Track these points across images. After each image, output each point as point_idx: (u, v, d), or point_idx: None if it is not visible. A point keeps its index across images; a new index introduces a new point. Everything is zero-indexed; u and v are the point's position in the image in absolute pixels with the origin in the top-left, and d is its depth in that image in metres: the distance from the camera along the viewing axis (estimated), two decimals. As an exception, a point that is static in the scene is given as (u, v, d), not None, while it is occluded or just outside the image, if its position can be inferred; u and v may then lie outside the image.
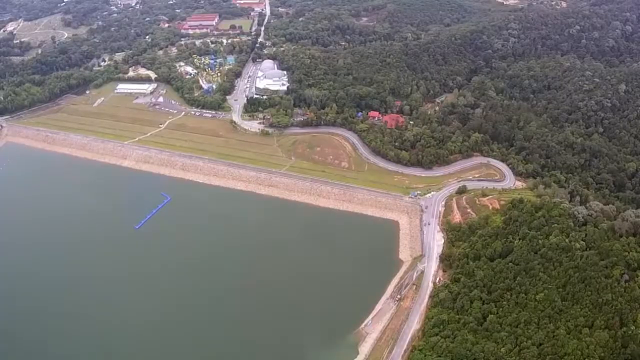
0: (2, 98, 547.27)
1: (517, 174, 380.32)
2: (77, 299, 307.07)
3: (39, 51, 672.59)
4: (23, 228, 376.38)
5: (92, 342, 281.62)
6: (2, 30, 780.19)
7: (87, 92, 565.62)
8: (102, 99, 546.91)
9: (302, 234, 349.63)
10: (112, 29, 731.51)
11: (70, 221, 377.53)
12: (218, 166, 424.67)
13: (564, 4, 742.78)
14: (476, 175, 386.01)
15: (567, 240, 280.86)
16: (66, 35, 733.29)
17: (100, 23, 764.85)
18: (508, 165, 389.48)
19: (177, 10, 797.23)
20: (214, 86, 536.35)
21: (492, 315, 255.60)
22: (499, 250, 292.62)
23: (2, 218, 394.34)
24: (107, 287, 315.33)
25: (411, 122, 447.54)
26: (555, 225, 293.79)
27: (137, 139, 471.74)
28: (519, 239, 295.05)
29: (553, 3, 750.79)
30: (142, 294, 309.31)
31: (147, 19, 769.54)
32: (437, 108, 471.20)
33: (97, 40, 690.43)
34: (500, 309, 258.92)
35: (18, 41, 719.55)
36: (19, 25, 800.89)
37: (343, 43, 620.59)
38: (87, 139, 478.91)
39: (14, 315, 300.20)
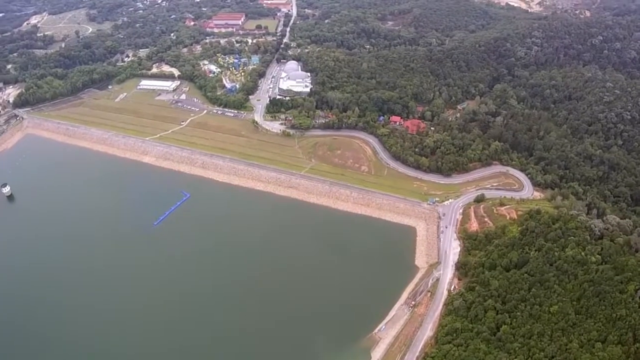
0: (23, 90, 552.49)
1: (536, 184, 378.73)
2: (93, 292, 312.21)
3: (63, 45, 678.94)
4: (41, 220, 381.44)
5: (109, 334, 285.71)
6: (25, 23, 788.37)
7: (110, 87, 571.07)
8: (125, 94, 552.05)
9: (319, 236, 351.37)
10: (137, 25, 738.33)
11: (89, 215, 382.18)
12: (238, 166, 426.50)
13: (587, 14, 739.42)
14: (495, 184, 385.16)
15: (583, 253, 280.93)
16: (90, 30, 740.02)
17: (125, 19, 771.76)
18: (527, 175, 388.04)
19: (203, 9, 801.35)
20: (237, 85, 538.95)
21: (505, 326, 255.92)
22: (514, 261, 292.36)
23: (21, 211, 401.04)
24: (122, 281, 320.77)
25: (432, 128, 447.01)
26: (572, 237, 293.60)
27: (158, 135, 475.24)
28: (535, 250, 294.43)
29: (577, 12, 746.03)
30: (157, 291, 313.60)
31: (173, 16, 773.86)
32: (458, 115, 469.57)
33: (122, 36, 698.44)
34: (514, 320, 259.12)
35: (41, 34, 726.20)
36: (43, 19, 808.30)
37: (368, 46, 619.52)
38: (108, 134, 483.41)
39: (31, 309, 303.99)
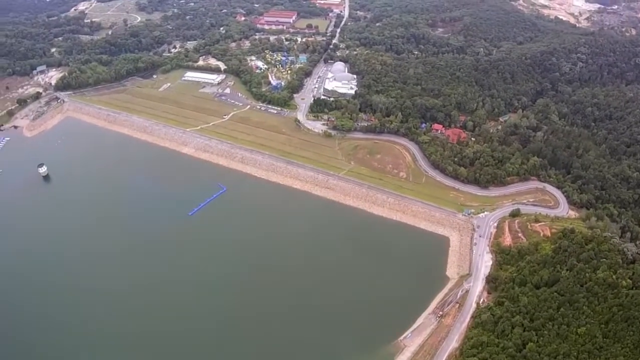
0: (66, 74, 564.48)
1: (571, 203, 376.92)
2: (121, 277, 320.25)
3: (110, 32, 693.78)
4: (74, 203, 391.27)
5: (135, 319, 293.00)
6: (73, 9, 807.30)
7: (154, 76, 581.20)
8: (169, 84, 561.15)
9: (352, 239, 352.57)
10: (188, 17, 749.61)
11: (123, 200, 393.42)
12: (277, 163, 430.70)
13: (633, 32, 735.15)
14: (531, 200, 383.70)
15: (614, 276, 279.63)
16: (139, 19, 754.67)
17: (175, 10, 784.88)
18: (563, 192, 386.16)
19: (255, 5, 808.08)
20: (283, 83, 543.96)
21: (531, 344, 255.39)
22: (545, 279, 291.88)
23: (56, 191, 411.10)
24: (153, 267, 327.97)
25: (473, 139, 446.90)
26: (604, 260, 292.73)
27: (199, 127, 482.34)
28: (567, 270, 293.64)
29: (623, 30, 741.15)
30: (186, 279, 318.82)
31: (224, 10, 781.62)
32: (499, 127, 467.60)
33: (170, 27, 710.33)
34: (541, 338, 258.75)
35: (89, 21, 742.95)
36: (91, 6, 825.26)
37: (416, 52, 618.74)
38: (149, 122, 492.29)
39: (57, 291, 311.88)
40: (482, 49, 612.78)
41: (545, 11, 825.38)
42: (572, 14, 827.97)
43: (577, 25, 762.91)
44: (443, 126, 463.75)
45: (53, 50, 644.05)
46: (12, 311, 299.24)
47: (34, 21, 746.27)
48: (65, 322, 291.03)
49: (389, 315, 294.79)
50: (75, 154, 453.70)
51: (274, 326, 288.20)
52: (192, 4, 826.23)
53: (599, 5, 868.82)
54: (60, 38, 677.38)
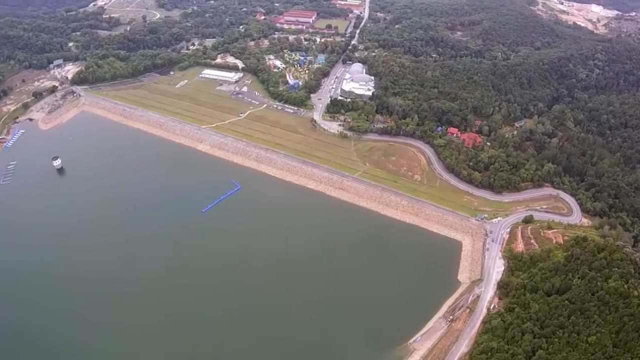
0: (83, 69, 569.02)
1: (584, 211, 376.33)
2: (133, 270, 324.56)
3: (128, 28, 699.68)
4: (87, 196, 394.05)
5: (148, 317, 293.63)
6: (92, 4, 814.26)
7: (172, 73, 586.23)
8: (186, 81, 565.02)
9: (364, 240, 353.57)
10: (207, 15, 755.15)
11: (136, 195, 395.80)
12: (292, 162, 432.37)
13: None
14: (544, 207, 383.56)
15: (625, 286, 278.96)
16: (158, 15, 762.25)
17: (195, 8, 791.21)
18: (577, 200, 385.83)
19: (275, 4, 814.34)
20: (300, 83, 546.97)
21: (541, 351, 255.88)
22: (557, 286, 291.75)
23: (69, 184, 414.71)
24: (164, 262, 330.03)
25: (488, 144, 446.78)
26: (616, 269, 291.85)
27: (215, 125, 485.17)
28: (578, 278, 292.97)
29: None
30: (193, 278, 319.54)
31: (244, 9, 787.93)
32: (515, 132, 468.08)
33: (189, 25, 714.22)
34: (551, 346, 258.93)
35: (107, 16, 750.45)
36: (110, 1, 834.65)
37: (434, 55, 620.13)
38: (165, 119, 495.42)
39: (68, 281, 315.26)
40: (500, 53, 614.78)
41: (564, 17, 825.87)
42: (590, 20, 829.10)
43: (595, 31, 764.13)
44: (459, 130, 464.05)
45: (70, 44, 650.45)
46: (26, 303, 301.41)
47: (52, 15, 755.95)
48: (73, 315, 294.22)
49: (399, 318, 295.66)
50: (90, 148, 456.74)
51: (283, 326, 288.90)
52: (212, 1, 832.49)
53: (616, 12, 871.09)
54: (78, 33, 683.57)
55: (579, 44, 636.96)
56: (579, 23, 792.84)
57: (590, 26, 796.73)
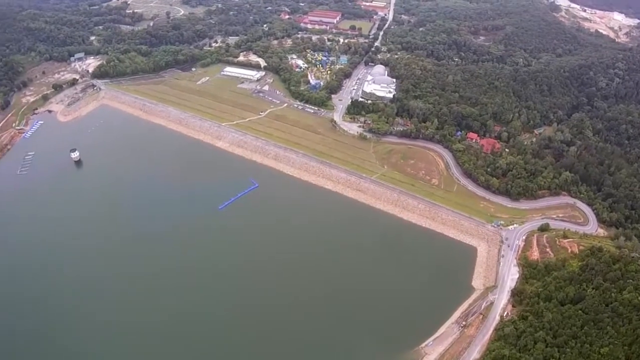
0: (104, 62, 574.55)
1: (600, 221, 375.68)
2: (144, 264, 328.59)
3: (151, 24, 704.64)
4: (103, 189, 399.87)
5: (160, 312, 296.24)
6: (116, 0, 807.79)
7: (193, 69, 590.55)
8: (207, 78, 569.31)
9: (380, 243, 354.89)
10: (231, 13, 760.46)
11: (152, 190, 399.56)
12: (310, 162, 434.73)
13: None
14: (560, 215, 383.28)
15: (639, 298, 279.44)
16: (182, 12, 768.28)
17: (219, 5, 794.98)
18: (593, 209, 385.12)
19: (300, 4, 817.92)
20: (322, 83, 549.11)
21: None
22: (571, 296, 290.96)
23: (86, 177, 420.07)
24: (179, 258, 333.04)
25: (506, 150, 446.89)
26: (631, 281, 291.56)
27: (234, 122, 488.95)
28: (593, 288, 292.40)
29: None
30: (209, 273, 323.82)
31: (269, 8, 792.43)
32: (534, 139, 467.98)
33: (213, 22, 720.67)
34: (563, 356, 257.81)
35: (131, 11, 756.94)
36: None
37: (456, 59, 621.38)
38: (185, 115, 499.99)
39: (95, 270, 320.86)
40: (521, 59, 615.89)
41: (586, 24, 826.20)
42: (612, 29, 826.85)
43: (617, 40, 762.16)
44: (478, 135, 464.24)
45: (92, 38, 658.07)
46: (38, 298, 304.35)
47: (75, 9, 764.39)
48: (83, 312, 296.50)
49: (411, 322, 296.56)
50: (109, 142, 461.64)
51: (295, 326, 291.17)
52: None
53: (638, 21, 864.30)
54: (100, 27, 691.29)
55: (600, 52, 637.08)
56: (600, 31, 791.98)
57: (612, 34, 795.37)
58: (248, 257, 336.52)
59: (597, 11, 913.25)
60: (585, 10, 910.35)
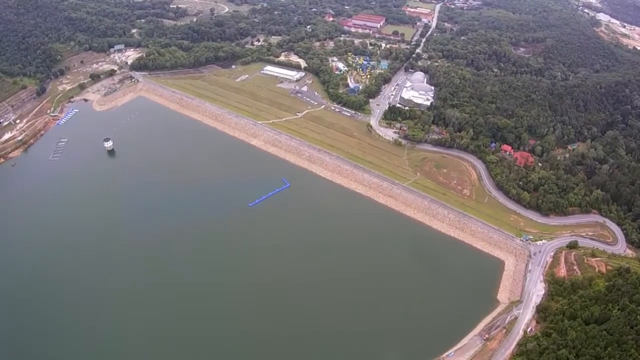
0: (144, 55, 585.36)
1: (629, 241, 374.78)
2: (173, 258, 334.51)
3: (194, 19, 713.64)
4: (135, 181, 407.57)
5: (200, 305, 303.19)
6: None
7: (233, 67, 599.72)
8: (246, 76, 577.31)
9: (408, 251, 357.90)
10: (276, 12, 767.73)
11: (184, 184, 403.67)
12: (344, 165, 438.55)
13: None
14: (589, 233, 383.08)
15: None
16: (226, 9, 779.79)
17: (264, 4, 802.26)
18: (622, 230, 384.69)
19: (345, 7, 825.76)
20: (361, 87, 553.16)
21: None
22: (596, 316, 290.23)
23: (119, 167, 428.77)
24: (205, 253, 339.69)
25: (539, 164, 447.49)
26: None
27: (271, 121, 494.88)
28: (618, 309, 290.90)
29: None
30: (233, 270, 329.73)
31: (314, 9, 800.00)
32: (567, 155, 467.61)
33: (257, 20, 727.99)
34: None
35: (175, 6, 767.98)
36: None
37: (495, 70, 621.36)
38: (222, 111, 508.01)
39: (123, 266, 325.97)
40: (559, 73, 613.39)
41: (625, 40, 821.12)
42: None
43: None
44: (512, 148, 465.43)
45: (134, 31, 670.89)
46: (76, 277, 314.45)
47: (119, 1, 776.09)
48: (121, 295, 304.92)
49: (434, 331, 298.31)
50: (143, 133, 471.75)
51: (318, 331, 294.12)
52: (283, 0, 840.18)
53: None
54: (142, 20, 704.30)
55: (637, 69, 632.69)
56: (639, 48, 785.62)
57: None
58: (273, 253, 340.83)
59: (637, 27, 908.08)
60: (624, 27, 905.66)
